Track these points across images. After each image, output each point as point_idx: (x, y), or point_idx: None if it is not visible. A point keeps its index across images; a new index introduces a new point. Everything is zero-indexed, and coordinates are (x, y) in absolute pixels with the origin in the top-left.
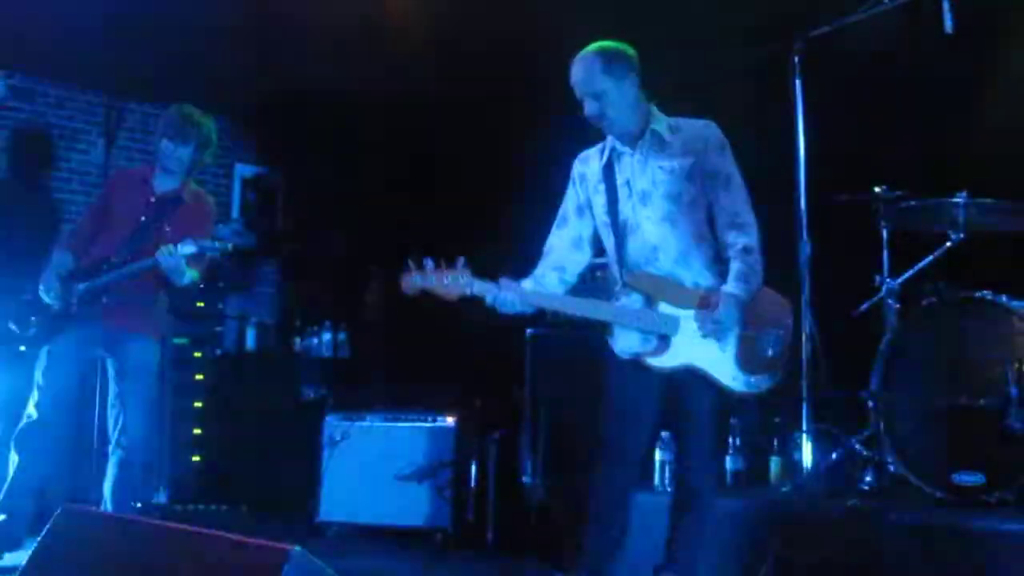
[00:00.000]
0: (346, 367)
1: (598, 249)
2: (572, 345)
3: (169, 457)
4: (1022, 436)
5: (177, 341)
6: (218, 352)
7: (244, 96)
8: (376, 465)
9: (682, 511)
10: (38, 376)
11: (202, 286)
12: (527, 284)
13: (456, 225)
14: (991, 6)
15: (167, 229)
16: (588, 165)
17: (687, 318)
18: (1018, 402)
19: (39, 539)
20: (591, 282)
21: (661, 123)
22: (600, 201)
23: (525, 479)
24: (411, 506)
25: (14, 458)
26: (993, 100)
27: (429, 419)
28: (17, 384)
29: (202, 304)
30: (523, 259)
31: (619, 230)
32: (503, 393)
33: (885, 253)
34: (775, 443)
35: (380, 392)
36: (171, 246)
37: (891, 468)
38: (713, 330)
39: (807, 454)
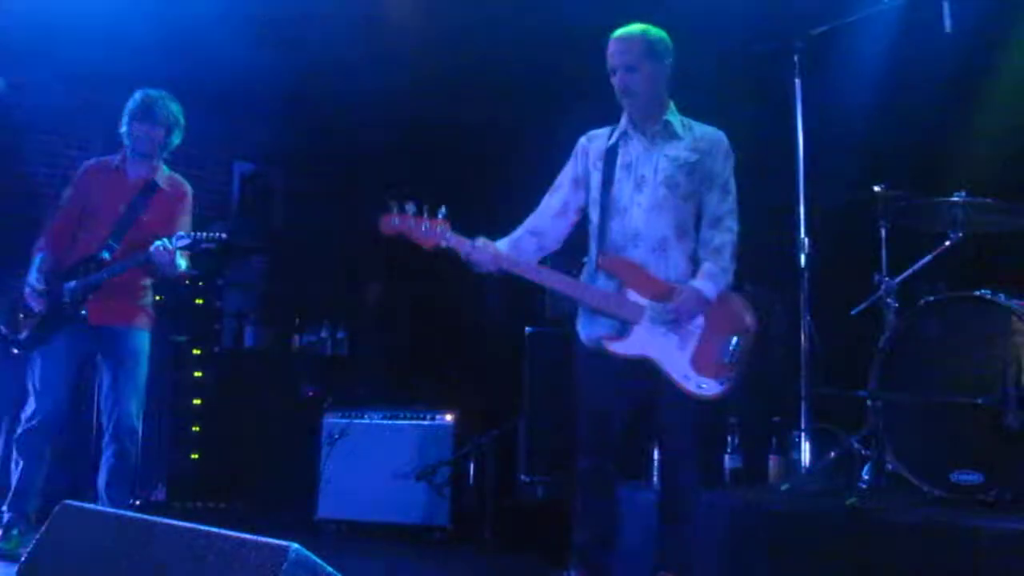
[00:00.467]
0: (345, 365)
1: (579, 220)
2: (571, 343)
3: (168, 455)
4: (1020, 434)
5: (175, 338)
6: (217, 350)
7: (243, 93)
8: (374, 463)
9: (669, 510)
10: (34, 380)
11: (200, 282)
12: (502, 244)
13: (456, 224)
14: (990, 5)
15: (147, 218)
16: (594, 142)
17: (652, 308)
18: (1016, 401)
19: (38, 536)
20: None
21: (676, 117)
22: (597, 178)
23: (523, 477)
24: (409, 503)
25: (18, 461)
26: (992, 99)
27: (427, 417)
28: (10, 386)
29: (201, 301)
30: None
31: (607, 211)
32: (501, 391)
33: (884, 252)
34: (773, 442)
35: (378, 390)
36: (165, 240)
37: (889, 467)
38: (668, 321)
39: (805, 453)
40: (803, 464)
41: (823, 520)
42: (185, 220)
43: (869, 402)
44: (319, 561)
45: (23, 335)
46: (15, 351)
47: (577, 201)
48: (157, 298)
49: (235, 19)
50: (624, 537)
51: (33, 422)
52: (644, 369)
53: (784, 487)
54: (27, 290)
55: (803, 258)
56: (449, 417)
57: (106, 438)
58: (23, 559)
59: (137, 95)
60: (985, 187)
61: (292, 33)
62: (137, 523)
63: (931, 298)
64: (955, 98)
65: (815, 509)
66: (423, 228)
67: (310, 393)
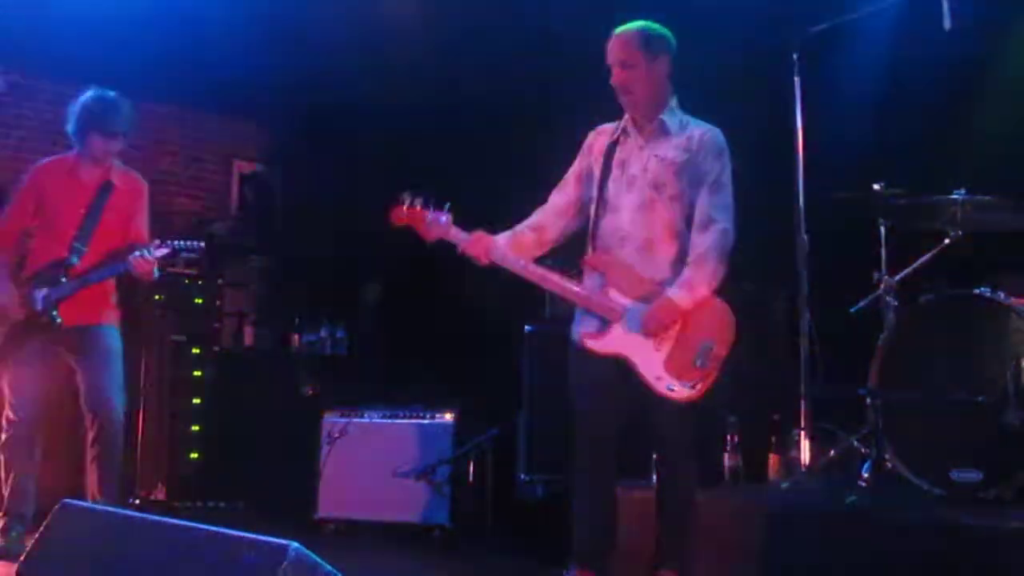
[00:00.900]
0: (344, 364)
1: (581, 219)
2: (570, 341)
3: (168, 454)
4: (1020, 433)
5: (175, 338)
6: (216, 349)
7: (243, 93)
8: (374, 462)
9: (665, 507)
10: (8, 388)
11: (200, 282)
12: (503, 238)
13: (457, 220)
14: (990, 3)
15: (109, 218)
16: (599, 137)
17: (632, 309)
18: (1016, 399)
19: (37, 535)
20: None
21: (674, 116)
22: (596, 175)
23: (523, 475)
24: (409, 503)
25: (8, 467)
26: (991, 97)
27: (427, 416)
28: None
29: (200, 301)
30: None
31: (600, 208)
32: (501, 390)
33: (883, 250)
34: (773, 440)
35: (378, 389)
36: (145, 251)
37: (889, 465)
38: (637, 327)
39: (805, 451)
40: (803, 463)
41: (823, 519)
42: (144, 216)
43: (869, 400)
44: (318, 560)
45: None
46: None
47: (581, 197)
48: (157, 297)
49: (235, 19)
50: (623, 535)
51: (14, 428)
52: (627, 368)
53: (784, 485)
54: (3, 301)
55: (802, 256)
56: (448, 416)
57: (91, 437)
58: (22, 558)
59: (93, 102)
60: (985, 185)
61: (292, 33)
62: (136, 522)
63: (931, 296)
64: (955, 96)
65: (815, 507)
66: (427, 220)
67: (309, 392)
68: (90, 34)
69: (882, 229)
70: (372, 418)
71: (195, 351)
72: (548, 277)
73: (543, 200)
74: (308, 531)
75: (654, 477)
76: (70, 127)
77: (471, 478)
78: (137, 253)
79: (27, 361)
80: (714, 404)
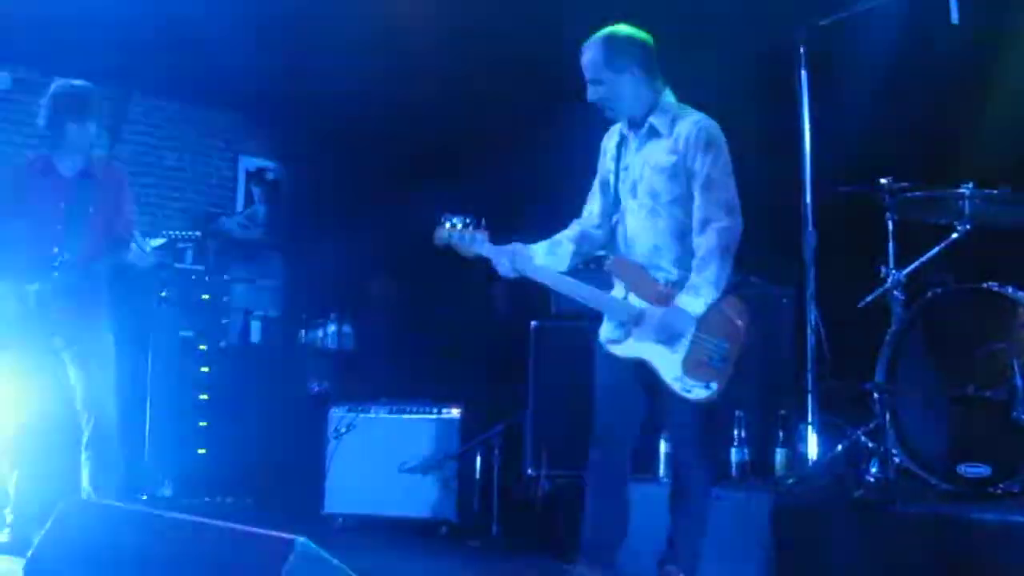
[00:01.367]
0: (351, 359)
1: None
2: (576, 337)
3: (175, 450)
4: None
5: (183, 333)
6: (223, 345)
7: (250, 89)
8: (381, 457)
9: (679, 504)
10: (7, 386)
11: (207, 278)
12: (540, 248)
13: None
14: None
15: (94, 210)
16: (610, 141)
17: (650, 313)
18: None
19: (43, 532)
20: (596, 272)
21: (664, 115)
22: (611, 180)
23: (530, 471)
24: (416, 498)
25: (12, 467)
26: (999, 91)
27: (434, 411)
28: None
29: (207, 297)
30: None
31: (616, 213)
32: (507, 385)
33: (891, 244)
34: (780, 435)
35: (385, 384)
36: (143, 244)
37: (896, 460)
38: (651, 333)
39: (812, 446)
40: (810, 457)
41: (830, 513)
42: (130, 204)
43: (876, 395)
44: (326, 554)
45: None
46: None
47: (608, 206)
48: (163, 293)
49: (242, 15)
50: (631, 530)
51: (15, 426)
52: (647, 368)
53: (791, 480)
54: None
55: (810, 251)
56: (455, 411)
57: (86, 437)
58: (30, 554)
59: (63, 90)
60: (993, 179)
61: (300, 28)
62: (143, 517)
63: (938, 290)
64: (962, 89)
65: (822, 502)
66: (465, 239)
67: (316, 388)
68: (95, 30)
69: (889, 223)
70: (379, 413)
71: (202, 347)
72: (576, 288)
73: (552, 197)
74: (315, 526)
75: (661, 472)
76: (43, 120)
77: (478, 473)
78: (135, 247)
79: (24, 358)
80: (722, 399)
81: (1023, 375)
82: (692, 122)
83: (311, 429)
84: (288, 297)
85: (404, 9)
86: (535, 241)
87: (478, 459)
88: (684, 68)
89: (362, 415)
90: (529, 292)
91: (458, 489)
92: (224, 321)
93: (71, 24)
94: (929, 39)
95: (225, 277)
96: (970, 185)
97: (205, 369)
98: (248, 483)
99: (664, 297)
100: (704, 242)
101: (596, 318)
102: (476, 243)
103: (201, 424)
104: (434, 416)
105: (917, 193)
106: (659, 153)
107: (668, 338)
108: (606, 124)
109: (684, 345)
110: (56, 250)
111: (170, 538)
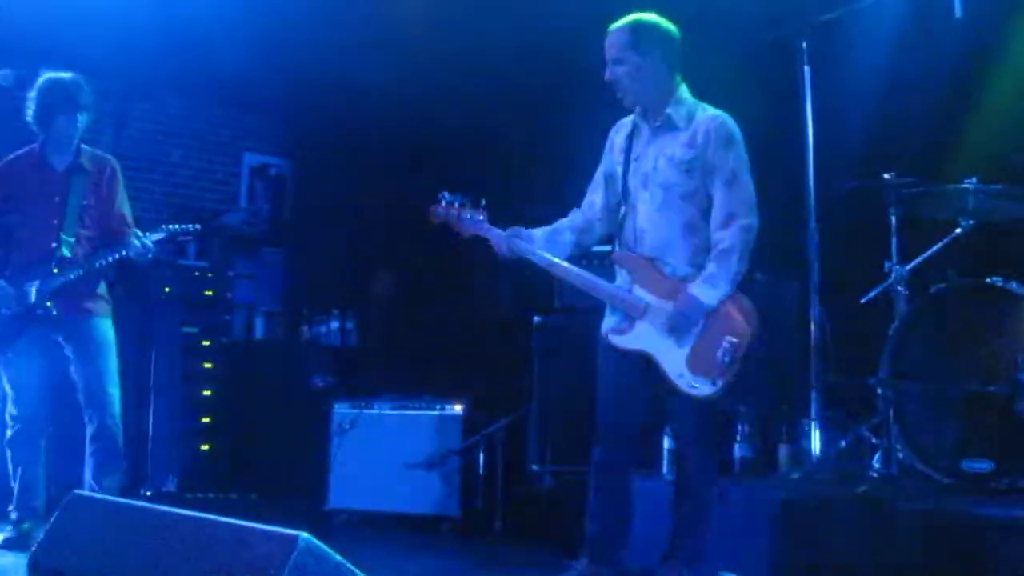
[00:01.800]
0: (354, 355)
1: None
2: (579, 332)
3: (178, 446)
4: None
5: (186, 330)
6: (227, 341)
7: (254, 85)
8: (384, 453)
9: (681, 499)
10: (9, 383)
11: (210, 274)
12: (540, 233)
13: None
14: None
15: (88, 203)
16: (618, 134)
17: (656, 306)
18: None
19: (48, 526)
20: (598, 267)
21: (681, 109)
22: (619, 172)
23: (533, 466)
24: (419, 494)
25: (15, 463)
26: (1002, 85)
27: (437, 407)
28: None
29: (211, 293)
30: None
31: (624, 206)
32: (511, 381)
33: (894, 240)
34: (784, 431)
35: (388, 380)
36: (142, 238)
37: (900, 455)
38: (667, 326)
39: (816, 442)
40: (813, 452)
41: (833, 509)
42: (123, 196)
43: (879, 390)
44: (329, 550)
45: None
46: None
47: (613, 198)
48: (167, 289)
49: (245, 11)
50: (634, 526)
51: (20, 423)
52: (650, 364)
53: (794, 475)
54: None
55: (813, 246)
56: (458, 407)
57: (90, 431)
58: (34, 549)
59: (51, 83)
60: (996, 174)
61: (303, 25)
62: (147, 513)
63: (942, 286)
64: (965, 84)
65: (825, 498)
66: (464, 218)
67: (320, 383)
68: (100, 28)
69: (893, 218)
70: (382, 409)
71: (205, 343)
72: (578, 276)
73: (556, 194)
74: (318, 522)
75: (665, 468)
76: (31, 115)
77: (481, 469)
78: (136, 241)
79: (26, 354)
80: (726, 396)
81: None
82: (712, 117)
83: (314, 425)
84: (291, 293)
85: (408, 5)
86: None
87: (481, 455)
88: (686, 64)
89: (365, 411)
90: (532, 287)
91: (461, 485)
92: (227, 317)
93: (75, 22)
94: (932, 34)
95: (229, 273)
96: (974, 180)
97: (208, 365)
98: (251, 479)
99: (673, 291)
100: (728, 236)
101: (599, 313)
102: (474, 223)
103: (204, 420)
104: (437, 412)
105: (921, 188)
106: (676, 146)
107: (679, 328)
108: (610, 118)
109: (691, 340)
110: (54, 246)
111: (174, 534)
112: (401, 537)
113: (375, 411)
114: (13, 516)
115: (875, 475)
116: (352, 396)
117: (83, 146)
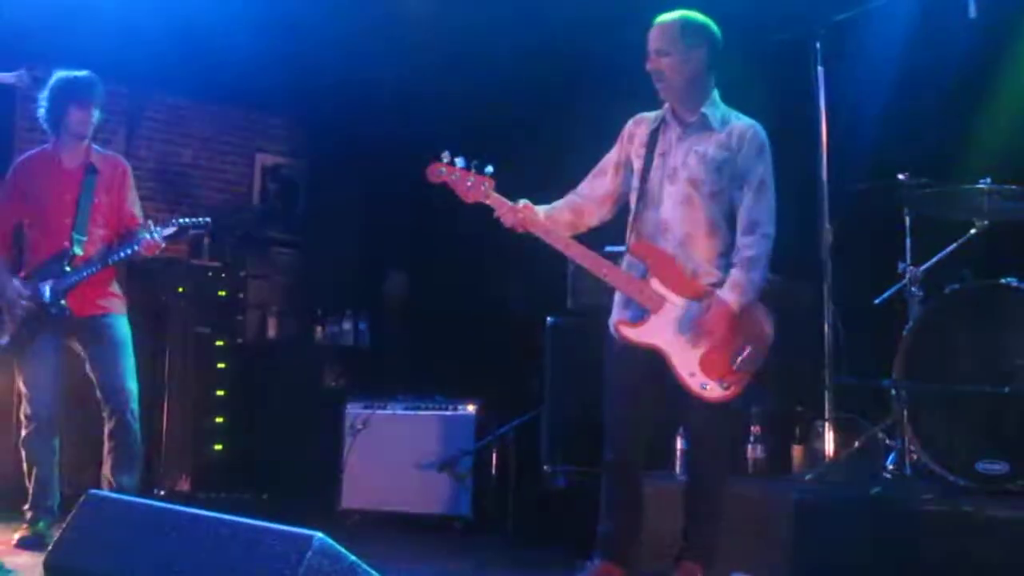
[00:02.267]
0: (367, 356)
1: (617, 209)
2: (592, 333)
3: (192, 446)
4: None
5: (199, 330)
6: (240, 341)
7: (266, 85)
8: (397, 453)
9: (694, 499)
10: (24, 384)
11: (223, 275)
12: (541, 211)
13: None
14: None
15: (99, 202)
16: (639, 127)
17: (673, 302)
18: None
19: (64, 525)
20: None
21: (716, 110)
22: (638, 165)
23: (545, 467)
24: (432, 494)
25: (30, 463)
26: (1017, 86)
27: (450, 407)
28: None
29: (224, 293)
30: None
31: (642, 199)
32: (523, 381)
33: (908, 240)
34: (797, 431)
35: (401, 380)
36: (153, 232)
37: (914, 457)
38: (687, 326)
39: (829, 442)
40: (827, 454)
41: (847, 510)
42: (134, 195)
43: (893, 391)
44: (343, 550)
45: (5, 340)
46: None
47: (619, 187)
48: (180, 289)
49: (257, 11)
50: (647, 526)
51: (34, 422)
52: (662, 362)
53: (808, 477)
54: (12, 297)
55: (827, 247)
56: (471, 407)
57: (108, 428)
58: (50, 548)
59: (64, 79)
60: (1011, 174)
61: (313, 25)
62: (162, 512)
63: (956, 286)
64: (980, 84)
65: (839, 499)
66: (468, 182)
67: (332, 384)
68: (113, 29)
69: (907, 219)
70: (395, 409)
71: (219, 343)
72: (590, 256)
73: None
74: (332, 522)
75: (678, 468)
76: (44, 111)
77: (494, 469)
78: (147, 235)
79: (40, 355)
80: (739, 398)
81: None
82: (748, 124)
83: (327, 425)
84: (304, 293)
85: (419, 5)
86: None
87: (494, 455)
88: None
89: (378, 411)
90: (545, 287)
91: (473, 485)
92: (240, 317)
93: (87, 24)
94: (946, 34)
95: (241, 273)
96: (988, 180)
97: (222, 365)
98: (265, 479)
99: (693, 292)
100: (753, 244)
101: (606, 313)
102: (481, 191)
103: (218, 420)
104: (450, 412)
105: (935, 189)
106: (709, 145)
107: (701, 331)
108: (618, 121)
109: (705, 342)
110: (67, 245)
111: (188, 534)
112: (413, 537)
113: (388, 411)
114: (28, 515)
115: (889, 476)
116: (365, 396)
117: (95, 147)
